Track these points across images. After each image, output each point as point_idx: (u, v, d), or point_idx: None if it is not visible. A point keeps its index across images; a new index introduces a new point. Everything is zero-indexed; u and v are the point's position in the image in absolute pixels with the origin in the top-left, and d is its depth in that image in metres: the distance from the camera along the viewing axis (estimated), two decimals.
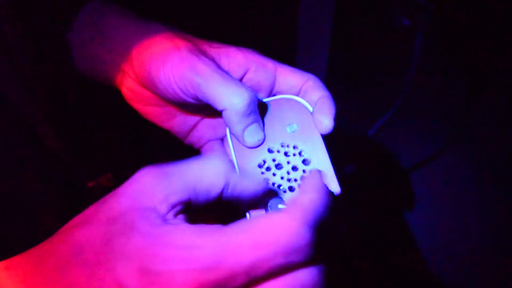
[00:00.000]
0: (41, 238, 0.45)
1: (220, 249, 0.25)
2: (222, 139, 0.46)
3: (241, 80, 0.41)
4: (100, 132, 0.55)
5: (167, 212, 0.28)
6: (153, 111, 0.45)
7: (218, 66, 0.38)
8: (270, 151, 0.39)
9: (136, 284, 0.25)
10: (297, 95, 0.41)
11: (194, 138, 0.46)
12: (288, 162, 0.38)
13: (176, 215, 0.29)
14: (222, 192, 0.31)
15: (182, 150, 0.48)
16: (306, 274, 0.28)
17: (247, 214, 0.35)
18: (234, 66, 0.40)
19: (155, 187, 0.28)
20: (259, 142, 0.39)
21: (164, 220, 0.28)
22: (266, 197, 0.35)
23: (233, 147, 0.39)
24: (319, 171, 0.31)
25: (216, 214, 0.34)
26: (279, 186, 0.37)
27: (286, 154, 0.39)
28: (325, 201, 0.29)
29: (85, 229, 0.28)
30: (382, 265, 0.80)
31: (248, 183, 0.32)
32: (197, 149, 0.47)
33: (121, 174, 0.57)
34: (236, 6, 0.73)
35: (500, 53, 0.74)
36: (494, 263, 0.79)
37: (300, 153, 0.39)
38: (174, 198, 0.28)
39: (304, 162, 0.38)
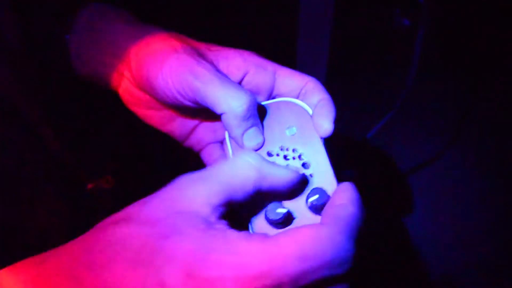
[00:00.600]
0: (41, 240, 0.46)
1: (270, 258, 0.26)
2: (222, 142, 0.46)
3: (240, 82, 0.40)
4: (99, 134, 0.55)
5: (210, 215, 0.28)
6: (151, 115, 0.44)
7: (217, 69, 0.38)
8: (269, 154, 0.38)
9: None
10: (297, 97, 0.41)
11: (193, 141, 0.46)
12: (287, 166, 0.38)
13: (219, 218, 0.29)
14: (258, 187, 0.31)
15: (182, 152, 0.48)
16: None
17: (249, 226, 0.34)
18: (233, 69, 0.40)
19: (194, 191, 0.29)
20: (258, 146, 0.38)
21: (208, 223, 0.28)
22: (266, 200, 0.35)
23: (232, 151, 0.39)
24: (352, 184, 0.32)
25: None
26: None
27: (285, 157, 0.38)
28: (363, 215, 0.30)
29: (126, 227, 0.27)
30: (382, 267, 0.80)
31: (279, 173, 0.32)
32: (196, 152, 0.47)
33: (120, 176, 0.57)
34: (235, 7, 0.73)
35: (501, 54, 0.73)
36: (494, 263, 0.79)
37: (299, 157, 0.38)
38: (215, 199, 0.29)
39: (304, 165, 0.38)
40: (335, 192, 0.32)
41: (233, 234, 0.27)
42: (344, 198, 0.31)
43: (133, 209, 0.29)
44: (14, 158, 0.44)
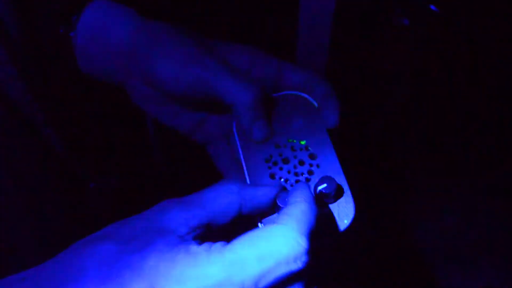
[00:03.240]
0: (45, 238, 0.46)
1: (229, 264, 0.27)
2: (228, 136, 0.46)
3: None
4: (103, 132, 0.55)
5: (186, 233, 0.29)
6: (158, 110, 0.44)
7: (226, 62, 0.38)
8: (277, 146, 0.39)
9: None
10: (302, 91, 0.41)
11: (200, 135, 0.46)
12: (294, 157, 0.38)
13: (194, 238, 0.30)
14: (240, 211, 0.32)
15: (187, 150, 0.48)
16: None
17: (260, 224, 0.35)
18: (239, 63, 0.40)
19: (175, 212, 0.30)
20: (267, 137, 0.39)
21: (182, 240, 0.29)
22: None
23: (240, 143, 0.39)
24: (305, 183, 0.33)
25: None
26: (286, 180, 0.37)
27: (292, 148, 0.39)
28: (314, 211, 0.31)
29: (102, 245, 0.28)
30: (382, 265, 0.80)
31: (262, 194, 0.33)
32: (202, 146, 0.47)
33: (123, 175, 0.57)
34: (236, 6, 0.74)
35: (501, 53, 0.74)
36: (495, 263, 0.79)
37: (306, 148, 0.39)
38: (194, 222, 0.30)
39: (311, 156, 0.38)
40: (290, 192, 0.33)
41: (195, 247, 0.28)
42: (297, 196, 0.32)
43: (113, 228, 0.30)
44: (18, 157, 0.44)
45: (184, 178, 0.72)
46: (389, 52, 0.79)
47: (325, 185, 0.34)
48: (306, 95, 0.41)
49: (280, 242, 0.28)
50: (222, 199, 0.31)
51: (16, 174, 0.44)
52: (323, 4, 0.71)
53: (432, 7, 0.73)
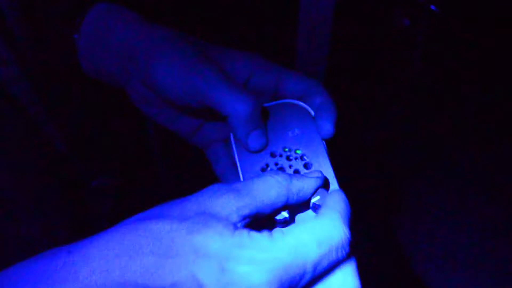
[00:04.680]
0: (47, 235, 0.47)
1: (294, 248, 0.28)
2: (227, 140, 0.47)
3: (245, 84, 0.41)
4: (105, 132, 0.56)
5: (238, 222, 0.30)
6: (158, 113, 0.45)
7: (224, 72, 0.39)
8: (272, 155, 0.40)
9: (215, 282, 0.27)
10: (300, 99, 0.42)
11: (199, 138, 0.47)
12: (290, 166, 0.39)
13: (244, 227, 0.31)
14: (287, 202, 0.33)
15: (186, 150, 0.49)
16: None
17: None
18: (239, 70, 0.41)
19: (227, 199, 0.30)
20: (262, 147, 0.39)
21: (236, 228, 0.29)
22: None
23: (236, 151, 0.40)
24: (341, 191, 0.35)
25: None
26: None
27: (288, 158, 0.39)
28: (351, 210, 0.34)
29: (156, 223, 0.28)
30: (381, 268, 0.80)
31: (308, 187, 0.34)
32: (201, 149, 0.48)
33: (125, 174, 0.58)
34: (236, 7, 0.74)
35: (502, 53, 0.74)
36: (493, 266, 0.79)
37: (302, 157, 0.39)
38: (245, 211, 0.31)
39: (306, 166, 0.39)
40: (328, 196, 0.35)
41: (257, 234, 0.29)
42: (335, 195, 0.34)
43: (165, 207, 0.30)
44: (21, 156, 0.45)
45: (184, 177, 0.73)
46: (390, 53, 0.79)
47: (318, 197, 0.35)
48: (303, 104, 0.41)
49: (333, 230, 0.30)
50: (272, 191, 0.32)
51: (19, 172, 0.44)
52: (323, 5, 0.71)
53: (433, 7, 0.73)
